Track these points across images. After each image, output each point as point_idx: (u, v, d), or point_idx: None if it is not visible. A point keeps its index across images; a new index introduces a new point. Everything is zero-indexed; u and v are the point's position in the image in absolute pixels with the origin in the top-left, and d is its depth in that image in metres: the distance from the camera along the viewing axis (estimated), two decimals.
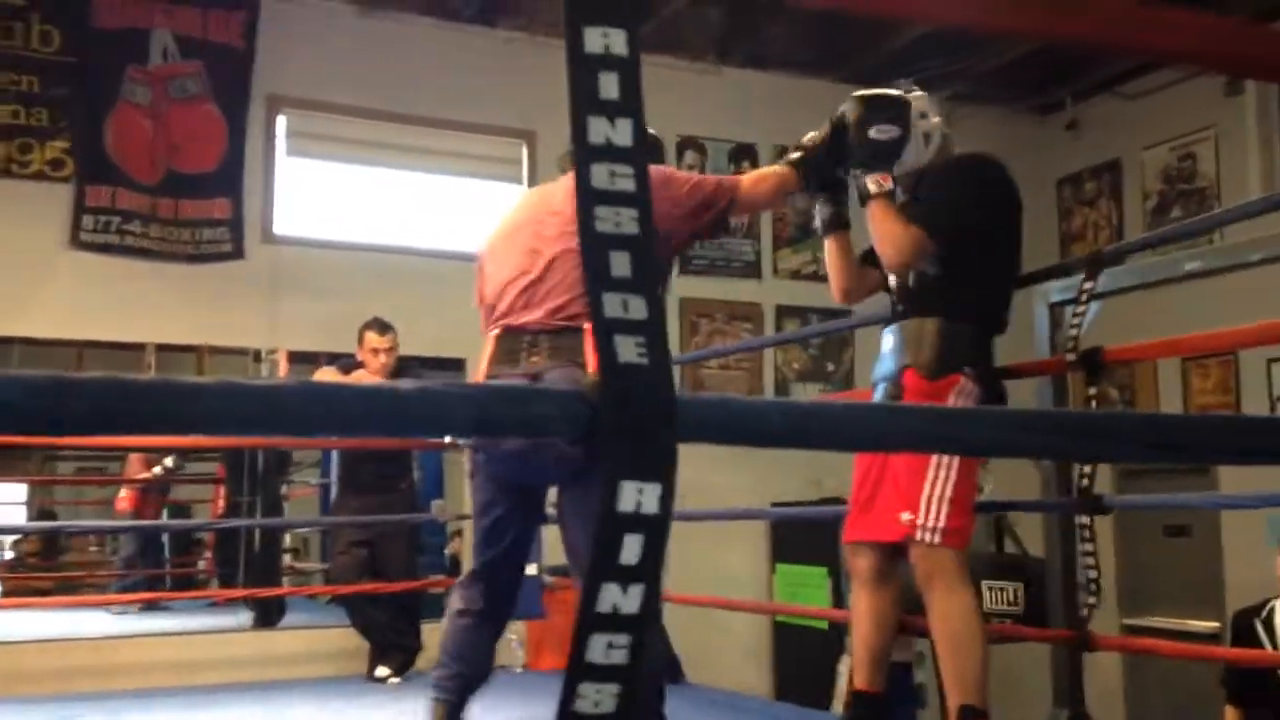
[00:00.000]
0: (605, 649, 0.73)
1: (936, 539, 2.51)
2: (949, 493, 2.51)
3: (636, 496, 0.72)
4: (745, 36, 6.37)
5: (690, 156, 6.53)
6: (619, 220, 0.76)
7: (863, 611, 2.79)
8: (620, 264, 0.76)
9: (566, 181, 2.75)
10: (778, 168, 2.86)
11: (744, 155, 6.64)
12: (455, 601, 2.71)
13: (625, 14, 0.78)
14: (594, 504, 2.13)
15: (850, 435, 0.84)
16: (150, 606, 6.63)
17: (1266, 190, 6.04)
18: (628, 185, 0.77)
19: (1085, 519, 2.80)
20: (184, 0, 5.37)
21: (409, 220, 5.93)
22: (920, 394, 2.62)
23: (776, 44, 6.42)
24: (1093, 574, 2.84)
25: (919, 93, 2.83)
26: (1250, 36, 1.05)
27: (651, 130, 2.83)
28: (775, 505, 5.89)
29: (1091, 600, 2.82)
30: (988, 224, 2.71)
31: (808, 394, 6.57)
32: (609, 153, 0.77)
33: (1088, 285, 2.86)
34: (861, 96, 2.73)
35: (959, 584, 2.52)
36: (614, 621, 0.72)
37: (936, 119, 2.80)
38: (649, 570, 0.72)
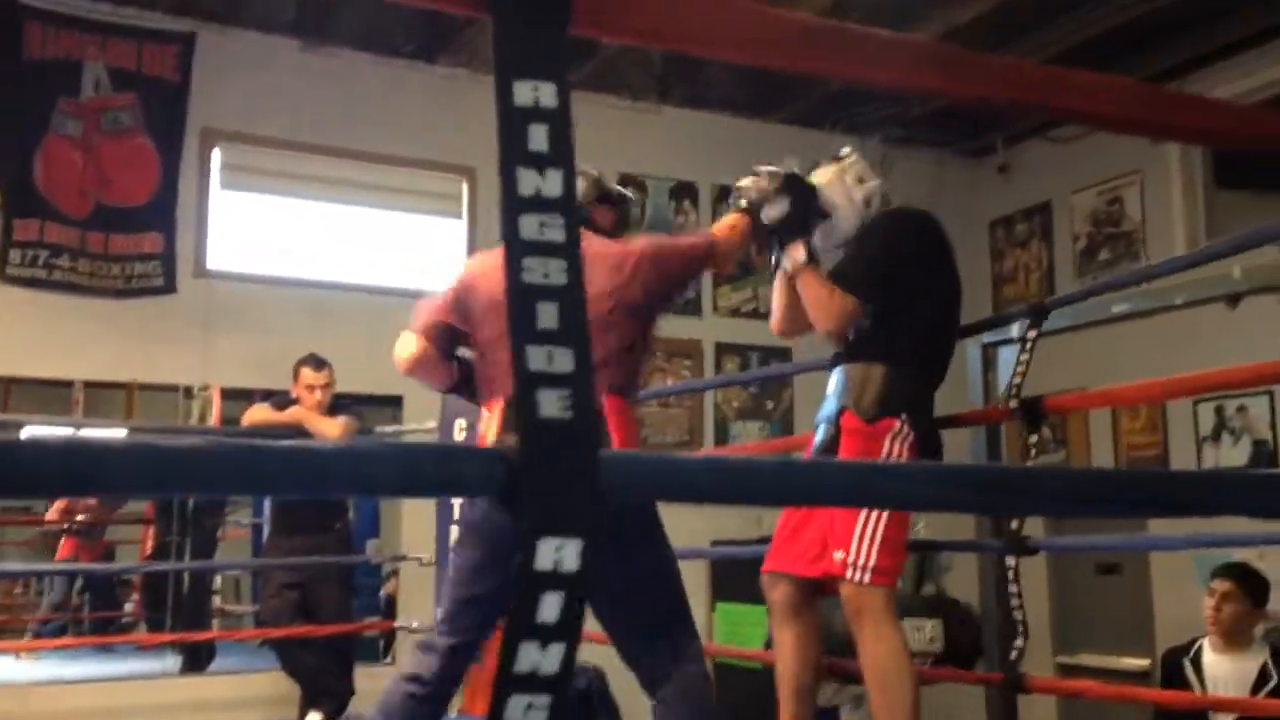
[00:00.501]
0: (524, 710, 0.71)
1: (867, 577, 2.54)
2: (880, 532, 2.55)
3: (555, 554, 0.71)
4: (685, 77, 6.44)
5: (630, 194, 6.56)
6: (547, 271, 0.76)
7: (783, 646, 2.82)
8: (547, 315, 0.75)
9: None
10: (735, 218, 2.84)
11: (684, 193, 6.69)
12: (409, 664, 2.55)
13: (555, 67, 0.78)
14: (633, 565, 2.20)
15: (777, 492, 0.84)
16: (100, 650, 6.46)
17: (1190, 233, 6.21)
18: (557, 236, 0.77)
19: (1012, 560, 2.84)
20: (118, 32, 5.30)
21: (346, 256, 5.87)
22: (857, 435, 2.66)
23: (716, 85, 6.49)
24: (1019, 615, 2.87)
25: (854, 157, 2.90)
26: (1150, 99, 1.08)
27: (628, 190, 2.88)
28: (715, 544, 5.88)
29: (1019, 643, 2.85)
30: (918, 273, 2.76)
31: (747, 432, 6.60)
32: (538, 204, 0.77)
33: (1032, 333, 2.92)
34: (756, 174, 2.80)
35: (887, 622, 2.56)
36: (533, 682, 0.71)
37: (874, 181, 2.86)
38: (569, 629, 0.71)
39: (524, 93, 0.77)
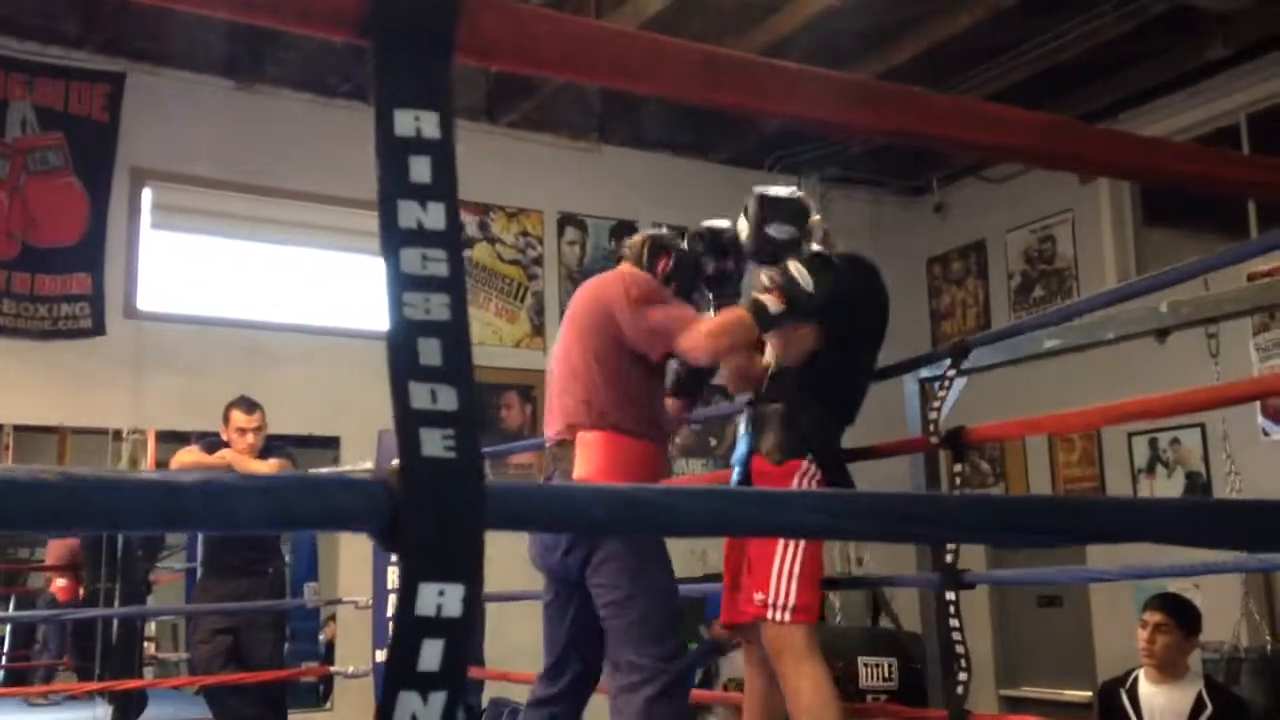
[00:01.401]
0: None
1: (786, 616, 2.57)
2: (796, 569, 2.58)
3: (436, 599, 0.68)
4: (624, 116, 6.47)
5: (571, 233, 6.56)
6: (429, 306, 0.73)
7: (747, 689, 2.86)
8: (429, 352, 0.73)
9: (587, 286, 2.82)
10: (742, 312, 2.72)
11: (625, 232, 6.68)
12: (534, 689, 2.76)
13: (439, 97, 0.76)
14: (605, 591, 2.32)
15: (672, 522, 0.82)
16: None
17: (1120, 270, 6.33)
18: (440, 270, 0.74)
19: (951, 595, 2.84)
20: (44, 72, 5.21)
21: (279, 296, 5.80)
22: (766, 478, 2.70)
23: (655, 124, 6.53)
24: (960, 649, 2.87)
25: (799, 192, 2.94)
26: (1075, 135, 1.09)
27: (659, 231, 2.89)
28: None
29: (962, 677, 2.85)
30: (859, 324, 2.81)
31: (690, 470, 6.58)
32: (420, 237, 0.74)
33: (951, 372, 2.95)
34: (763, 196, 2.78)
35: (808, 658, 2.57)
36: None
37: (816, 216, 2.90)
38: (451, 677, 0.68)
39: (405, 122, 0.75)
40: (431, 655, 0.68)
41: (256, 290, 5.76)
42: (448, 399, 0.72)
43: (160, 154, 5.46)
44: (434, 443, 0.70)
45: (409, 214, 0.74)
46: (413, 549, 0.68)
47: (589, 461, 2.57)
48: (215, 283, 5.70)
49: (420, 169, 0.75)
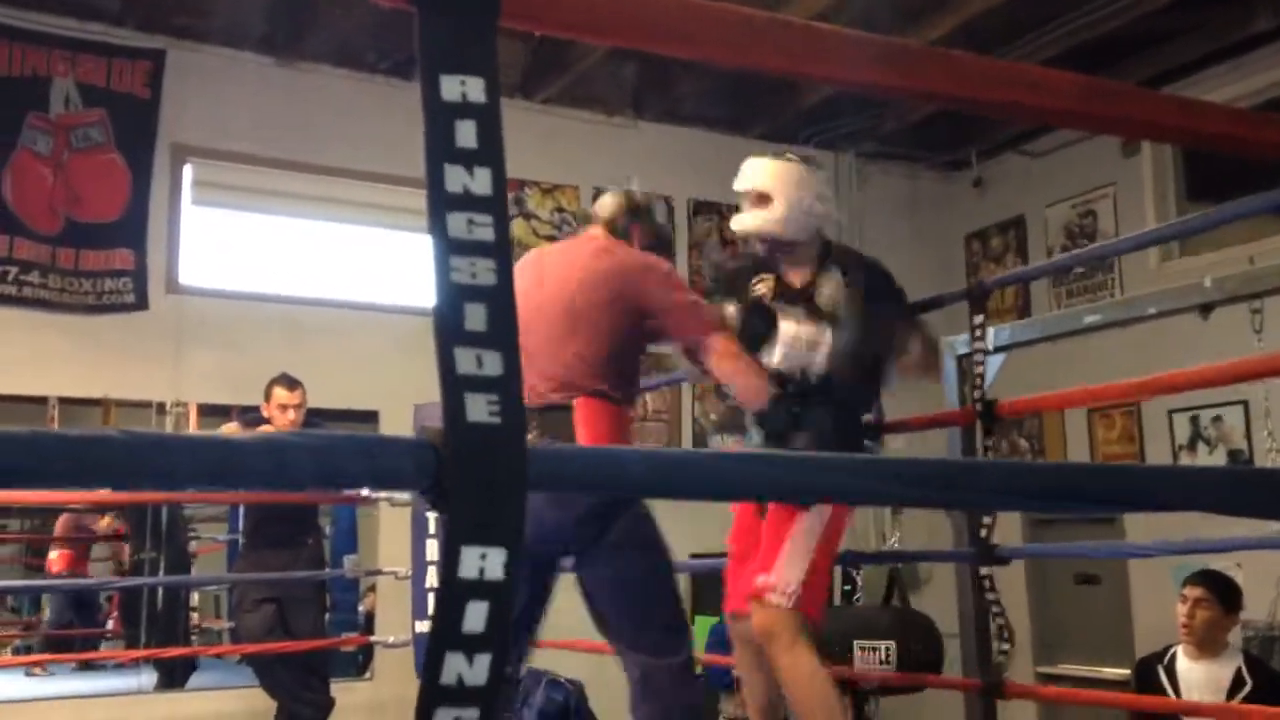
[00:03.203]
0: None
1: (788, 603, 2.56)
2: (807, 561, 2.58)
3: (479, 562, 0.69)
4: (660, 92, 6.44)
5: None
6: (475, 271, 0.74)
7: (750, 685, 2.89)
8: (475, 317, 0.73)
9: (568, 247, 2.81)
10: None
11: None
12: None
13: (484, 62, 0.77)
14: (615, 569, 2.29)
15: (714, 484, 0.82)
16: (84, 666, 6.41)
17: (1163, 246, 6.24)
18: (486, 235, 0.75)
19: (986, 569, 2.84)
20: (86, 48, 5.26)
21: (319, 272, 5.84)
22: None
23: (690, 100, 6.50)
24: (1000, 621, 2.88)
25: (825, 174, 2.99)
26: (1119, 97, 1.08)
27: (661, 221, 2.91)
28: (694, 556, 5.86)
29: (1004, 647, 2.85)
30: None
31: (725, 445, 6.57)
32: (466, 202, 0.75)
33: (977, 318, 2.96)
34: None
35: (799, 642, 2.55)
36: (459, 694, 0.69)
37: (830, 208, 2.93)
38: (495, 639, 0.69)
39: (451, 88, 0.75)
40: (476, 617, 0.69)
41: (296, 266, 5.81)
42: (493, 364, 0.72)
43: (201, 130, 5.51)
44: (479, 408, 0.71)
45: (455, 179, 0.75)
46: (456, 513, 0.69)
47: (595, 430, 2.50)
48: (255, 258, 5.75)
49: (466, 134, 0.75)
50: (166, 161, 5.45)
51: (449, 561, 0.68)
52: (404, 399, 4.86)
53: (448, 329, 0.72)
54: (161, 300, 5.36)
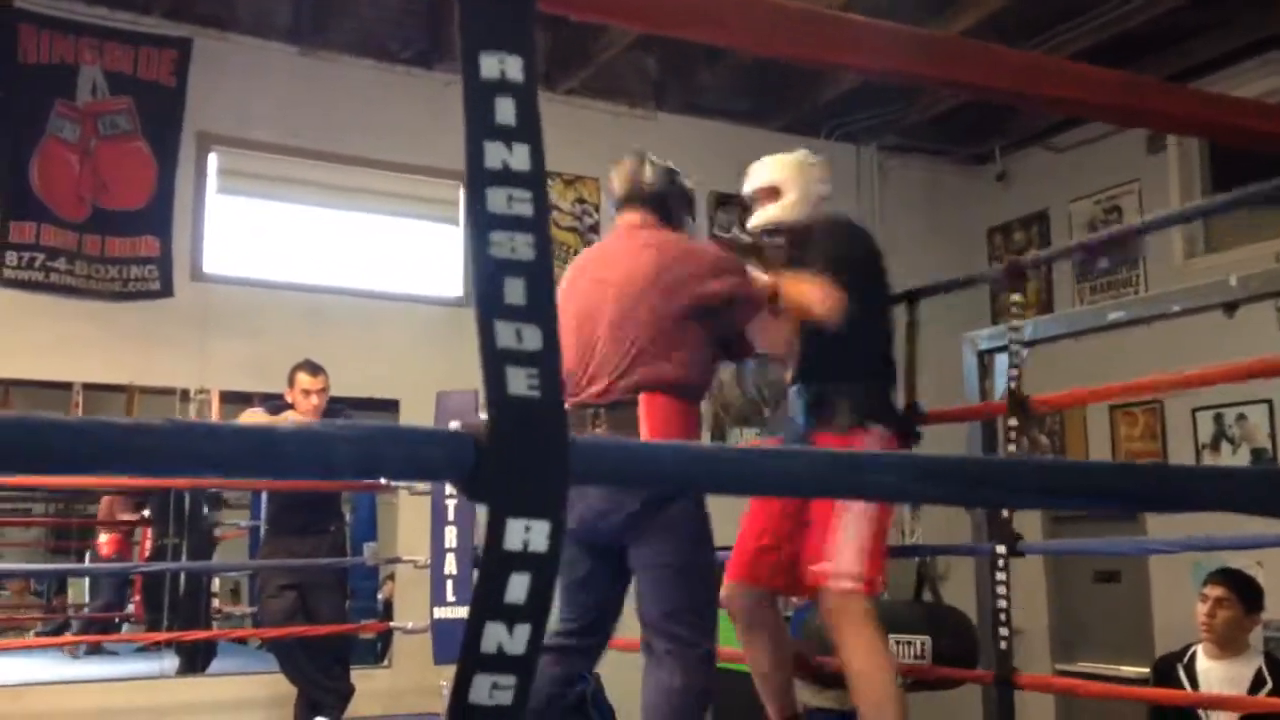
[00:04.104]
0: (490, 690, 0.70)
1: (846, 584, 2.60)
2: (859, 542, 2.60)
3: (524, 534, 0.70)
4: (681, 84, 6.44)
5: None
6: (514, 246, 0.75)
7: (754, 651, 2.95)
8: (514, 291, 0.74)
9: (621, 241, 2.82)
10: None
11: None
12: (552, 635, 2.78)
13: (522, 41, 0.78)
14: (659, 556, 2.37)
15: (747, 480, 0.82)
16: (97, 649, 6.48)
17: (1187, 241, 6.21)
18: (525, 210, 0.76)
19: (1002, 549, 2.86)
20: (113, 36, 5.30)
21: (342, 261, 5.87)
22: (832, 444, 2.70)
23: (712, 92, 6.49)
24: (1003, 614, 2.89)
25: (823, 159, 3.05)
26: (1148, 91, 1.08)
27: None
28: (719, 549, 5.86)
29: (1004, 632, 2.87)
30: (869, 286, 2.82)
31: (744, 438, 6.58)
32: (506, 177, 0.76)
33: (1016, 297, 2.97)
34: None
35: (866, 626, 2.60)
36: (499, 662, 0.70)
37: (828, 189, 2.99)
38: (536, 611, 0.70)
39: (490, 65, 0.76)
40: (518, 588, 0.70)
41: (319, 254, 5.84)
42: (532, 338, 0.73)
43: (226, 119, 5.54)
44: (519, 381, 0.72)
45: (495, 155, 0.76)
46: (498, 484, 0.70)
47: (658, 426, 2.56)
48: (279, 247, 5.78)
49: (505, 111, 0.76)
50: (192, 150, 5.49)
51: (493, 533, 0.69)
52: (424, 387, 4.88)
53: (487, 303, 0.73)
54: (186, 287, 5.40)
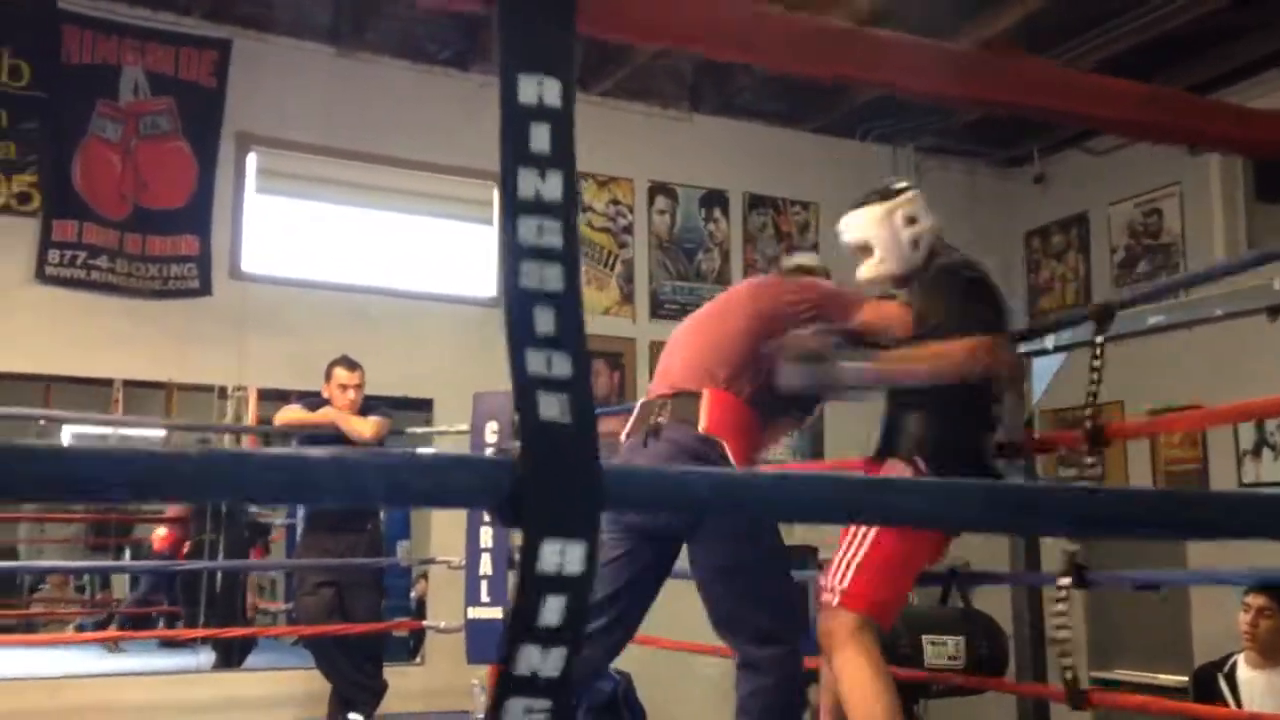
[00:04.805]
0: (524, 713, 0.71)
1: (835, 599, 2.57)
2: (859, 558, 2.56)
3: (558, 557, 0.70)
4: (717, 85, 6.43)
5: (661, 202, 6.56)
6: (544, 276, 0.75)
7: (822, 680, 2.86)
8: (544, 321, 0.74)
9: (747, 283, 3.10)
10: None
11: (714, 202, 6.68)
12: None
13: (562, 64, 0.78)
14: (724, 557, 2.40)
15: (776, 505, 0.82)
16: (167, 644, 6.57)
17: (1229, 246, 6.12)
18: (554, 241, 0.76)
19: (1066, 580, 2.81)
20: (155, 37, 5.36)
21: (378, 260, 5.91)
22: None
23: (748, 93, 6.48)
24: (1065, 634, 2.86)
25: (909, 195, 2.92)
26: (1179, 107, 1.06)
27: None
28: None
29: (1067, 661, 2.82)
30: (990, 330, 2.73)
31: (772, 454, 6.55)
32: (537, 207, 0.76)
33: (1098, 339, 2.92)
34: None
35: (853, 646, 2.54)
36: (533, 685, 0.70)
37: (927, 222, 2.87)
38: (571, 633, 0.70)
39: (528, 89, 0.76)
40: (553, 611, 0.70)
41: (356, 255, 5.88)
42: (562, 366, 0.73)
43: (265, 119, 5.60)
44: (550, 407, 0.72)
45: (528, 183, 0.76)
46: (532, 507, 0.70)
47: (716, 417, 2.63)
48: (316, 246, 5.83)
49: (540, 137, 0.76)
50: (231, 150, 5.55)
51: (528, 556, 0.69)
52: (459, 388, 4.91)
53: (518, 331, 0.73)
54: (225, 286, 5.46)
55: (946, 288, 2.75)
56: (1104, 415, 6.43)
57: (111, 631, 6.97)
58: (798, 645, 2.64)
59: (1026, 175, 7.12)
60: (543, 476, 0.71)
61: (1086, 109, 0.96)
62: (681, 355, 2.82)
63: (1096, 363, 2.90)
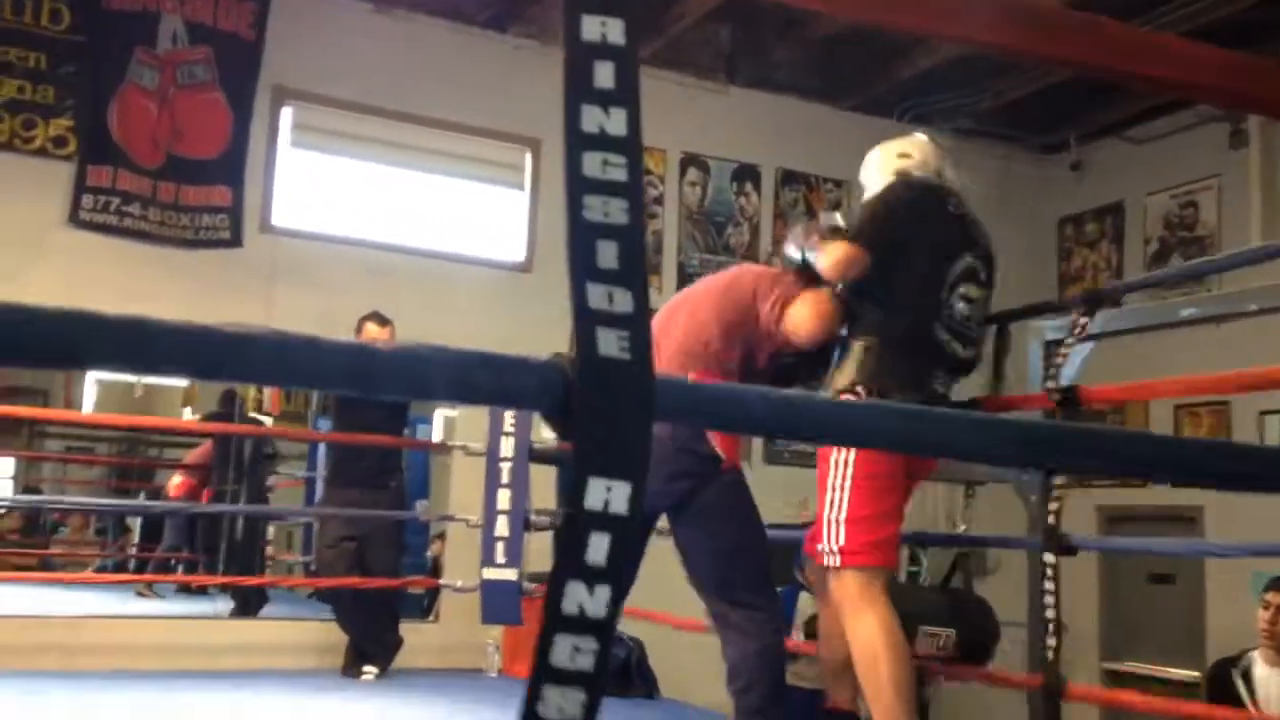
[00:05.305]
0: (571, 652, 0.71)
1: (836, 561, 2.56)
2: (842, 514, 2.55)
3: (605, 494, 0.70)
4: (754, 57, 6.38)
5: (693, 174, 6.54)
6: (608, 210, 0.75)
7: (821, 625, 2.91)
8: (607, 255, 0.74)
9: (737, 269, 3.15)
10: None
11: (747, 176, 6.64)
12: None
13: (624, 4, 0.77)
14: (705, 532, 2.54)
15: (828, 429, 0.83)
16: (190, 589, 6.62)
17: (1267, 239, 6.05)
18: (619, 175, 0.76)
19: (1051, 559, 2.78)
20: None
21: (408, 219, 5.91)
22: None
23: (785, 67, 6.43)
24: (1051, 614, 2.81)
25: (916, 138, 3.02)
26: (1254, 72, 1.04)
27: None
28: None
29: (1052, 642, 2.78)
30: (893, 242, 2.71)
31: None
32: (602, 142, 0.76)
33: (1082, 321, 2.87)
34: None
35: (865, 604, 2.54)
36: (580, 623, 0.70)
37: (913, 161, 2.90)
38: (616, 573, 0.70)
39: (592, 27, 0.76)
40: (599, 549, 0.70)
41: (387, 213, 5.89)
42: (624, 301, 0.73)
43: (301, 74, 5.59)
44: (609, 343, 0.72)
45: (592, 119, 0.75)
46: (584, 444, 0.71)
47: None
48: (347, 203, 5.84)
49: (604, 74, 0.76)
50: (266, 103, 5.55)
51: (575, 492, 0.70)
52: (482, 349, 4.91)
53: (580, 265, 0.73)
54: (255, 238, 5.47)
55: (875, 199, 2.83)
56: (1126, 410, 6.40)
57: (129, 575, 7.06)
58: (775, 611, 2.77)
59: (1063, 162, 7.05)
60: (596, 413, 0.71)
61: (1166, 73, 0.95)
62: (670, 340, 2.84)
63: (1064, 350, 2.89)
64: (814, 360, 2.91)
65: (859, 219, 2.79)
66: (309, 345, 0.68)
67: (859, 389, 2.63)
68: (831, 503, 2.57)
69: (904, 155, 2.88)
